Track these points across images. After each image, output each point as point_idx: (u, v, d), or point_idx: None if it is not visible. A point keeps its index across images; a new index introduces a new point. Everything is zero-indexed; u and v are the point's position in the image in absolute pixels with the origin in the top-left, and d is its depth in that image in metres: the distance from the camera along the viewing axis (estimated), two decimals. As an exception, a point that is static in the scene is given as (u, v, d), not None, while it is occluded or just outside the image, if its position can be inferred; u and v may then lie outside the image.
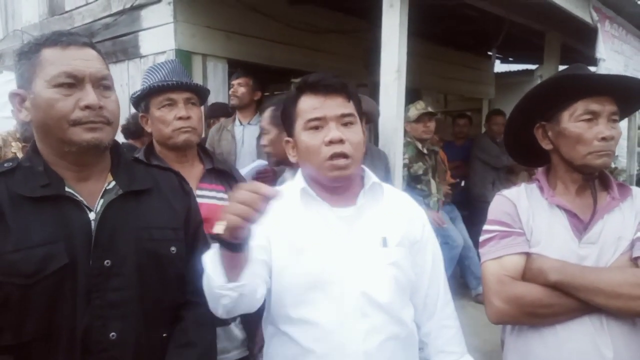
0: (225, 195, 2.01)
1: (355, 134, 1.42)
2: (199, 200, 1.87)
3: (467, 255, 4.64)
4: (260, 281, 1.33)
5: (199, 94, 2.01)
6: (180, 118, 1.91)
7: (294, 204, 1.45)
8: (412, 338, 1.50)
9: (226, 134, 3.91)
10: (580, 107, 1.47)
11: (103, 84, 1.25)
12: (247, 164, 3.79)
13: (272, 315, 1.44)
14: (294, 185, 1.50)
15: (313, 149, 1.40)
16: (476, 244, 4.43)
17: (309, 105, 1.42)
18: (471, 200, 5.31)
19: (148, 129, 2.00)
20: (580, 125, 1.47)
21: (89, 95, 1.21)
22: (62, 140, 1.22)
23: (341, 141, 1.38)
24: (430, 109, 4.18)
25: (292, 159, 1.50)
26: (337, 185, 1.44)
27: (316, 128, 1.40)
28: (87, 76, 1.22)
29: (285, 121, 1.50)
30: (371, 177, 1.49)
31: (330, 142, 1.37)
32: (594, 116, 1.46)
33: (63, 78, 1.20)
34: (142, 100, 1.97)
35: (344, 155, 1.38)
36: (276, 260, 1.41)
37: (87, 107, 1.20)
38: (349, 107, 1.43)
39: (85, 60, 1.23)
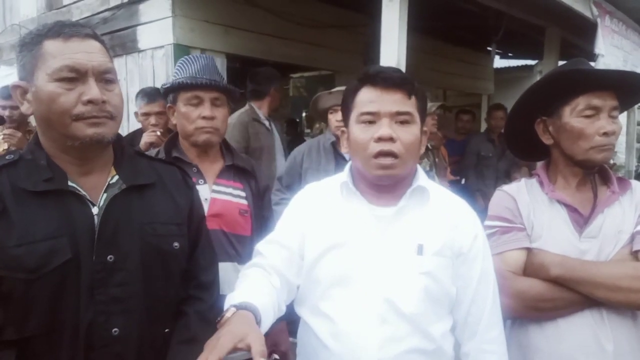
0: (242, 193, 2.00)
1: (410, 133, 1.35)
2: (214, 195, 1.88)
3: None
4: (279, 301, 1.33)
5: (229, 94, 1.99)
6: (204, 117, 1.89)
7: (334, 198, 1.43)
8: (441, 354, 1.39)
9: (259, 126, 3.79)
10: (582, 102, 1.47)
11: (106, 78, 1.23)
12: (282, 159, 3.74)
13: (303, 303, 1.44)
14: (338, 178, 1.47)
15: (361, 144, 1.35)
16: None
17: (366, 98, 1.37)
18: (470, 195, 5.31)
19: (173, 120, 1.99)
20: (581, 120, 1.47)
21: (92, 90, 1.19)
22: (64, 135, 1.21)
23: (391, 139, 1.32)
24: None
25: (344, 149, 1.47)
26: (382, 183, 1.39)
27: (368, 122, 1.35)
28: (90, 70, 1.20)
29: (344, 111, 1.46)
30: (419, 178, 1.42)
31: (380, 139, 1.32)
32: (595, 111, 1.46)
33: (65, 72, 1.18)
34: (170, 92, 1.97)
35: (391, 154, 1.32)
36: (308, 254, 1.40)
37: (90, 101, 1.19)
38: (407, 105, 1.36)
39: (87, 53, 1.20)
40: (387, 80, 1.35)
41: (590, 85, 1.47)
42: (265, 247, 1.44)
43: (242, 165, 2.04)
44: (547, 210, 1.54)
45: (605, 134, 1.45)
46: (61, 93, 1.18)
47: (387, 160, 1.33)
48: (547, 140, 1.58)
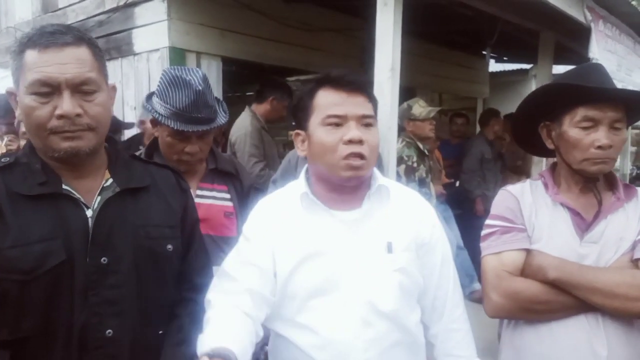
0: (227, 195, 1.99)
1: (374, 136, 1.39)
2: (197, 200, 1.87)
3: (458, 253, 4.66)
4: (254, 332, 1.31)
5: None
6: (188, 153, 1.86)
7: (294, 209, 1.41)
8: (417, 343, 1.46)
9: (265, 134, 3.84)
10: (580, 113, 1.46)
11: (83, 89, 1.19)
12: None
13: (276, 318, 1.41)
14: (295, 188, 1.46)
15: (329, 146, 1.35)
16: (468, 240, 4.50)
17: (329, 101, 1.37)
18: (464, 198, 5.33)
19: (155, 133, 1.95)
20: (577, 131, 1.46)
21: (64, 104, 1.16)
22: (44, 145, 1.21)
23: (360, 141, 1.34)
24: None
25: (301, 153, 1.46)
26: (348, 185, 1.39)
27: (335, 125, 1.35)
28: (63, 83, 1.16)
29: (298, 113, 1.45)
30: (378, 178, 1.44)
31: (350, 142, 1.33)
32: (593, 123, 1.45)
33: (37, 86, 1.16)
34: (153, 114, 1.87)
35: (360, 156, 1.34)
36: (280, 269, 1.38)
37: (62, 116, 1.17)
38: (369, 108, 1.39)
39: (61, 64, 1.16)
40: (352, 83, 1.37)
41: (589, 97, 1.45)
42: (236, 269, 1.39)
43: (226, 169, 2.04)
44: (549, 213, 1.53)
45: (599, 147, 1.43)
46: (36, 107, 1.17)
47: (357, 162, 1.34)
48: (549, 145, 1.58)
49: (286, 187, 1.54)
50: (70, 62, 1.18)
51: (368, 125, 1.38)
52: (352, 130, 1.34)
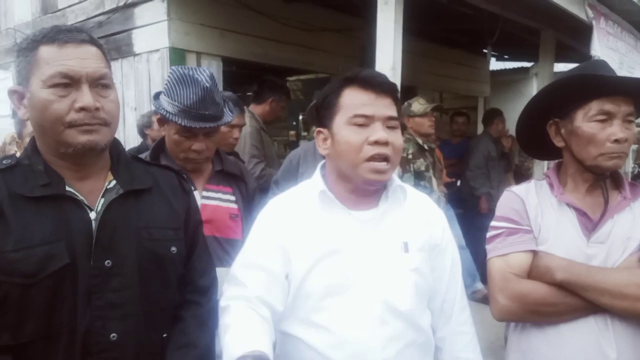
0: (232, 197, 1.99)
1: (398, 138, 1.39)
2: (204, 201, 1.87)
3: (460, 253, 4.64)
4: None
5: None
6: (195, 151, 1.86)
7: (311, 208, 1.40)
8: (429, 344, 1.47)
9: (264, 135, 3.83)
10: (594, 106, 1.43)
11: (101, 83, 1.22)
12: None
13: (288, 319, 1.39)
14: (311, 186, 1.44)
15: (354, 146, 1.34)
16: (470, 240, 4.50)
17: (357, 100, 1.36)
18: (466, 197, 5.32)
19: (162, 132, 1.95)
20: (593, 125, 1.43)
21: (85, 97, 1.18)
22: (57, 141, 1.21)
23: (386, 143, 1.33)
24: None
25: (323, 151, 1.44)
26: (370, 187, 1.39)
27: (362, 125, 1.35)
28: (84, 76, 1.19)
29: (322, 111, 1.44)
30: (395, 179, 1.44)
31: (376, 143, 1.33)
32: (608, 117, 1.42)
33: (58, 79, 1.17)
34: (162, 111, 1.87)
35: (385, 158, 1.34)
36: (297, 270, 1.37)
37: (82, 109, 1.18)
38: (394, 111, 1.39)
39: (81, 59, 1.19)
40: (381, 85, 1.37)
41: (604, 90, 1.43)
42: (245, 274, 1.38)
43: (232, 171, 2.03)
44: (555, 213, 1.51)
45: (616, 141, 1.41)
46: (54, 100, 1.17)
47: (382, 165, 1.34)
48: (558, 142, 1.55)
49: (298, 186, 1.53)
50: (89, 58, 1.21)
51: (393, 127, 1.38)
52: (379, 132, 1.34)
